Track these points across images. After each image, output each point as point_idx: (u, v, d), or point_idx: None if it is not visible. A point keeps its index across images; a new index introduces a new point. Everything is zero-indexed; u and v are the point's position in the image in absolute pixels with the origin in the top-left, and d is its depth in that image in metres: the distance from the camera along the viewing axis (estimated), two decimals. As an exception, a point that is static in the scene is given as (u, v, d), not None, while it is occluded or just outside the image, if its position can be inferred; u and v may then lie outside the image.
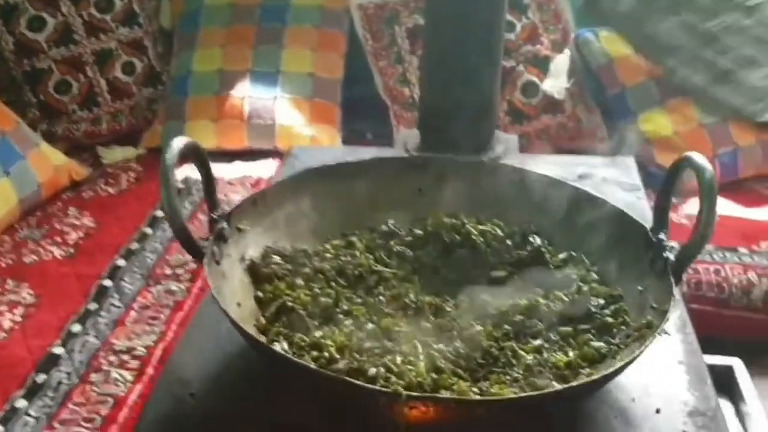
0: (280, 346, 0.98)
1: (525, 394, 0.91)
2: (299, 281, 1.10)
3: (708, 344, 1.19)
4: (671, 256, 1.04)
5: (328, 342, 0.97)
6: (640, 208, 1.39)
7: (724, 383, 1.52)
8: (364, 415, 0.92)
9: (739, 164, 2.50)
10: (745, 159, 2.50)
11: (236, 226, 1.11)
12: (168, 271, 2.13)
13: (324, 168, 1.27)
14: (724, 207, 2.34)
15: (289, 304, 1.04)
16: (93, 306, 1.99)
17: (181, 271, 2.11)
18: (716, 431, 0.97)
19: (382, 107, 2.70)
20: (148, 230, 2.30)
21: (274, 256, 1.14)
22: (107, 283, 2.08)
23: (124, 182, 2.55)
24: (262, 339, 0.97)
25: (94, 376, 1.78)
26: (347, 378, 0.87)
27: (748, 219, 2.36)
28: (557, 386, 0.92)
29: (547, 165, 1.52)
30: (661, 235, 1.07)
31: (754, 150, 2.51)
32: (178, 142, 0.99)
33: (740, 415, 1.50)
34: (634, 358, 0.90)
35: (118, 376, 1.80)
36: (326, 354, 0.95)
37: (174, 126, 2.62)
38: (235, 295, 1.05)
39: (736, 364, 1.61)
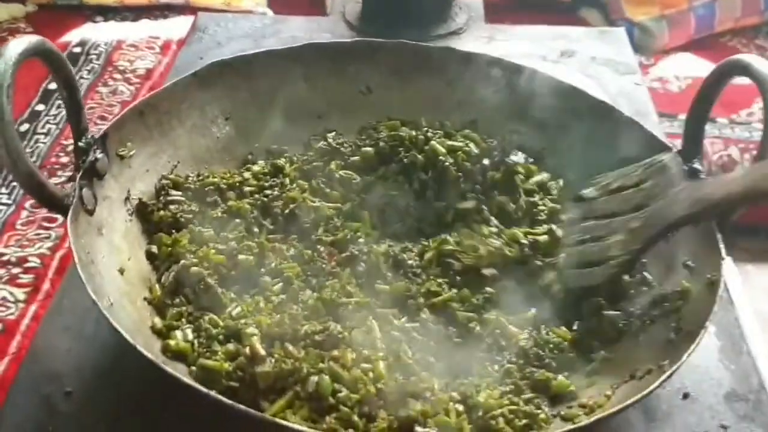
0: (182, 337, 0.71)
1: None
2: (208, 230, 0.81)
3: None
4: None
5: (249, 328, 0.71)
6: (641, 99, 1.12)
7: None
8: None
9: (717, 16, 2.23)
10: (723, 10, 2.23)
11: (116, 152, 0.81)
12: (65, 159, 1.80)
13: (237, 60, 0.95)
14: (699, 68, 2.10)
15: (194, 268, 0.76)
16: (-26, 205, 1.66)
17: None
18: (763, 422, 0.74)
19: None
20: (40, 107, 1.94)
21: (173, 192, 0.85)
22: (-8, 174, 1.75)
23: (11, 47, 2.15)
24: (153, 354, 0.66)
25: (-24, 297, 1.48)
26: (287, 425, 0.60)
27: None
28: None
29: (521, 40, 1.24)
30: (695, 164, 0.81)
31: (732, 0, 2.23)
32: (18, 45, 0.67)
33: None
34: (673, 372, 0.66)
35: (7, 295, 1.51)
36: (247, 350, 0.69)
37: (67, -24, 2.21)
38: (118, 253, 0.77)
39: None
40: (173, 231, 0.82)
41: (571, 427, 0.64)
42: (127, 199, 0.81)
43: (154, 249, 0.80)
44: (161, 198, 0.84)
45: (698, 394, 0.77)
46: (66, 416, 0.72)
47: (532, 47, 1.22)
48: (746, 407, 0.76)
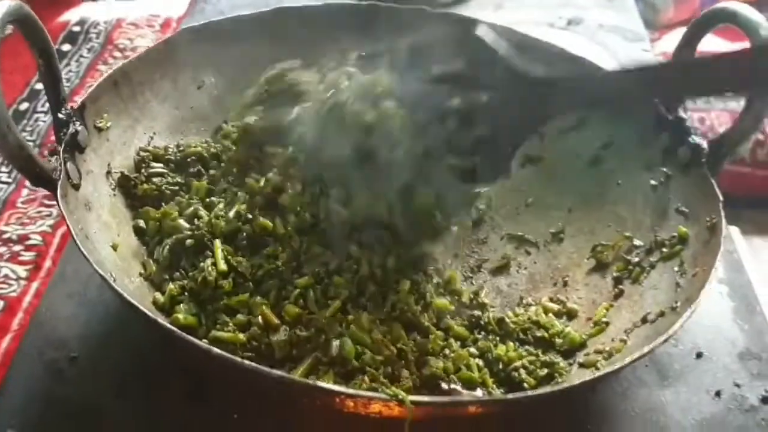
0: (187, 311, 0.69)
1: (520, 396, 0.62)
2: (195, 202, 0.79)
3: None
4: (703, 143, 0.76)
5: (257, 297, 0.69)
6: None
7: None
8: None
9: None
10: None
11: (94, 124, 0.78)
12: (65, 137, 1.79)
13: (211, 26, 0.91)
14: (704, 41, 2.07)
15: (189, 240, 0.75)
16: (-26, 185, 1.65)
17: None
18: (777, 381, 0.73)
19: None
20: (39, 86, 1.92)
21: (154, 164, 0.82)
22: (-8, 153, 1.73)
23: (9, 26, 2.13)
24: (159, 316, 0.67)
25: (-22, 275, 1.47)
26: (320, 385, 0.58)
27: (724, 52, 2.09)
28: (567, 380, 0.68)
29: (528, 8, 1.22)
30: (680, 112, 0.79)
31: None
32: None
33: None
34: (694, 311, 0.64)
35: (9, 273, 1.50)
36: (259, 319, 0.67)
37: (63, -46, 2.18)
38: (108, 229, 0.74)
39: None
40: (159, 204, 0.79)
41: (599, 374, 0.61)
42: (108, 173, 0.79)
43: (142, 223, 0.78)
44: (142, 171, 0.82)
45: (711, 354, 0.76)
46: (72, 381, 0.71)
47: (540, 15, 1.20)
48: (760, 365, 0.75)
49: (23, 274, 1.50)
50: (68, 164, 0.70)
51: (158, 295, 0.72)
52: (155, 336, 0.68)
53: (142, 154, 0.82)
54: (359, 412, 0.57)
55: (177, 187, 0.81)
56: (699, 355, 0.75)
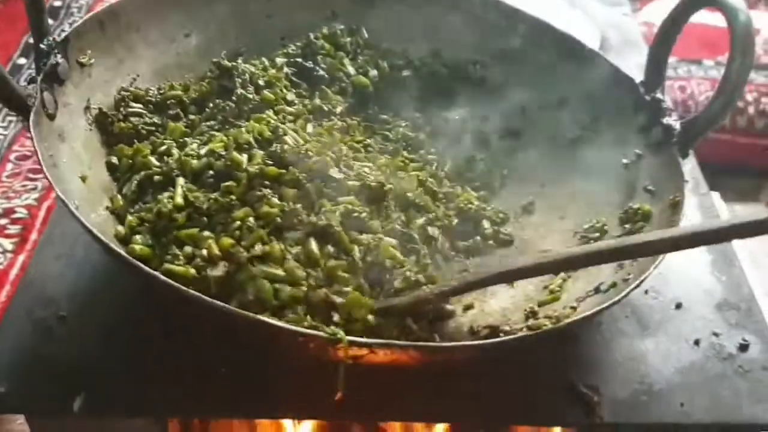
0: (143, 242, 0.70)
1: (509, 338, 0.65)
2: (169, 141, 0.80)
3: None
4: (675, 124, 0.78)
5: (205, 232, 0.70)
6: (630, 30, 1.11)
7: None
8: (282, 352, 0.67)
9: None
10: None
11: (77, 59, 0.79)
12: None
13: None
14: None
15: (157, 177, 0.76)
16: (-42, 160, 1.65)
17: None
18: (754, 329, 0.75)
19: None
20: (22, 60, 1.91)
21: (133, 104, 0.83)
22: (-25, 129, 1.73)
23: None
24: (118, 245, 0.67)
25: (-36, 248, 1.47)
26: (261, 318, 0.59)
27: (710, 25, 2.11)
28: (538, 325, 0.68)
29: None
30: (658, 94, 0.81)
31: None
32: None
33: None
34: (641, 282, 0.66)
35: (-5, 246, 1.50)
36: (204, 252, 0.67)
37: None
38: (80, 161, 0.75)
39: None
40: (134, 142, 0.80)
41: (545, 328, 0.64)
42: (87, 108, 0.79)
43: (115, 160, 0.78)
44: (121, 110, 0.82)
45: (690, 305, 0.77)
46: (61, 339, 0.72)
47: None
48: (738, 315, 0.76)
49: (9, 247, 1.50)
50: (45, 93, 0.71)
51: (120, 228, 0.72)
52: (137, 286, 0.71)
53: (122, 93, 0.83)
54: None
55: (153, 128, 0.82)
56: (678, 306, 0.77)
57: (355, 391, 0.59)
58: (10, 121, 1.79)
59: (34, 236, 1.51)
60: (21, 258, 1.47)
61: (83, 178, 0.73)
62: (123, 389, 0.68)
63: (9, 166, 1.67)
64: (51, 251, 0.81)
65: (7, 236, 1.51)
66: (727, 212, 1.56)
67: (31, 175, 1.64)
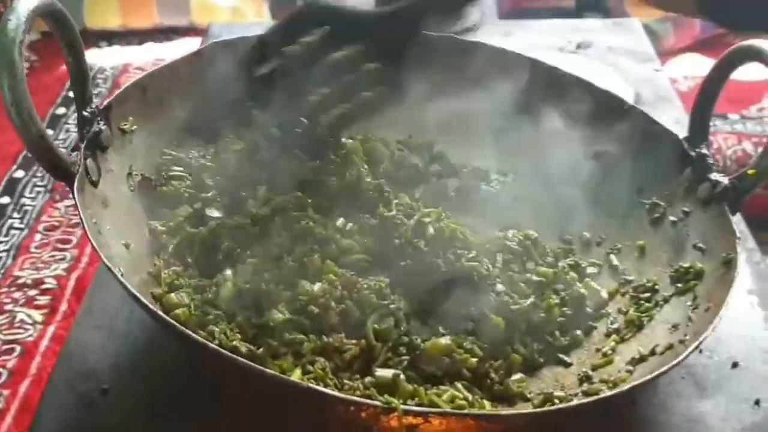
0: (178, 300, 0.70)
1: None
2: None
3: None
4: (723, 180, 0.77)
5: None
6: (663, 85, 1.11)
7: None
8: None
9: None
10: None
11: (119, 126, 0.79)
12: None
13: (238, 42, 0.90)
14: (707, 67, 2.07)
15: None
16: (-13, 230, 1.67)
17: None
18: (814, 388, 0.73)
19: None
20: (49, 131, 1.93)
21: (175, 168, 0.83)
22: (4, 200, 1.74)
23: (15, 74, 2.16)
24: (154, 305, 0.66)
25: (-5, 320, 1.48)
26: (313, 387, 0.58)
27: (734, 80, 2.11)
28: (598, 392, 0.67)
29: (538, 33, 1.24)
30: (703, 149, 0.80)
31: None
32: (29, 2, 0.64)
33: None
34: (700, 344, 0.64)
35: (25, 318, 1.50)
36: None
37: (68, 2, 2.21)
38: (125, 227, 0.74)
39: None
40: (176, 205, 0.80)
41: (605, 394, 0.63)
42: (129, 174, 0.79)
43: (157, 225, 0.78)
44: (163, 173, 0.82)
45: (747, 363, 0.75)
46: (104, 412, 0.70)
47: (549, 40, 1.22)
48: (797, 373, 0.74)
49: (39, 318, 1.50)
50: (88, 160, 0.71)
51: (158, 290, 0.72)
52: (181, 357, 0.70)
53: (165, 157, 0.83)
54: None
55: (194, 191, 0.81)
56: (735, 365, 0.75)
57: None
58: (38, 192, 1.81)
59: (63, 307, 1.51)
60: (51, 329, 1.47)
61: (126, 245, 0.72)
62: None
63: (38, 236, 1.68)
64: (91, 322, 0.80)
65: (37, 307, 1.51)
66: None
67: (59, 245, 1.65)
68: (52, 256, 1.64)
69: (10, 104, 0.62)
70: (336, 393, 0.58)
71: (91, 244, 0.64)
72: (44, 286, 1.57)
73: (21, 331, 1.49)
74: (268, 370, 0.58)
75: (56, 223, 1.71)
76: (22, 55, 0.63)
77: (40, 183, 1.83)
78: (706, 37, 2.22)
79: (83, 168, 0.70)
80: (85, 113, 0.74)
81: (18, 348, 1.45)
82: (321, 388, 0.58)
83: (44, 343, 1.46)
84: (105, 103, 0.77)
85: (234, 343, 0.66)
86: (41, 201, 1.78)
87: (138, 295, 0.61)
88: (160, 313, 0.62)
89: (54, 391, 0.73)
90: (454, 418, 0.56)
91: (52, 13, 0.68)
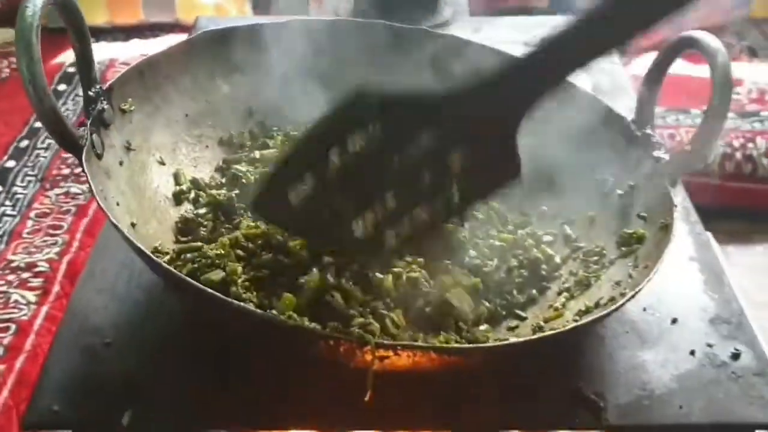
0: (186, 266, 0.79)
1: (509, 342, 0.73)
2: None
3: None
4: (665, 156, 0.86)
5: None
6: (618, 77, 1.20)
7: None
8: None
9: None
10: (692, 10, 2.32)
11: (119, 106, 0.88)
12: (66, 171, 1.87)
13: (230, 31, 1.01)
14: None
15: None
16: (-19, 217, 1.72)
17: (80, 170, 1.84)
18: (745, 340, 0.82)
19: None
20: (39, 124, 2.00)
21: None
22: (-4, 189, 1.80)
23: (6, 70, 2.22)
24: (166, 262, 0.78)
25: (-10, 300, 1.54)
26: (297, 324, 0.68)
27: (695, 77, 2.20)
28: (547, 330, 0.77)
29: (506, 29, 1.33)
30: (648, 130, 0.89)
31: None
32: None
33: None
34: (633, 296, 0.72)
35: (19, 298, 1.56)
36: None
37: (57, 1, 2.28)
38: (124, 197, 0.84)
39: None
40: None
41: (542, 335, 0.73)
42: (128, 149, 0.87)
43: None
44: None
45: (685, 320, 0.84)
46: (107, 361, 0.78)
47: (516, 35, 1.29)
48: (729, 328, 0.83)
49: (33, 299, 1.56)
50: (93, 135, 0.80)
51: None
52: (181, 315, 0.79)
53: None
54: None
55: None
56: (674, 321, 0.84)
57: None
58: (29, 182, 1.86)
59: (56, 288, 1.58)
60: (44, 309, 1.53)
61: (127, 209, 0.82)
62: (169, 405, 0.74)
63: (29, 223, 1.74)
64: (92, 285, 0.87)
65: (30, 289, 1.58)
66: (720, 252, 1.62)
67: (51, 231, 1.71)
68: (44, 241, 1.70)
69: (27, 81, 0.70)
70: (318, 329, 0.68)
71: (100, 206, 0.73)
72: (37, 269, 1.63)
73: (15, 310, 1.55)
74: (257, 311, 0.66)
75: (47, 210, 1.77)
76: (39, 39, 0.71)
77: (30, 173, 1.89)
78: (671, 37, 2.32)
79: (90, 142, 0.78)
80: (90, 93, 0.82)
81: (13, 326, 1.51)
82: (305, 325, 0.67)
83: (38, 322, 1.52)
84: (107, 84, 0.85)
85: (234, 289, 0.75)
86: (32, 190, 1.83)
87: (141, 247, 0.69)
88: (161, 262, 0.71)
89: (61, 345, 0.80)
90: (420, 351, 0.64)
91: (64, 2, 0.76)
